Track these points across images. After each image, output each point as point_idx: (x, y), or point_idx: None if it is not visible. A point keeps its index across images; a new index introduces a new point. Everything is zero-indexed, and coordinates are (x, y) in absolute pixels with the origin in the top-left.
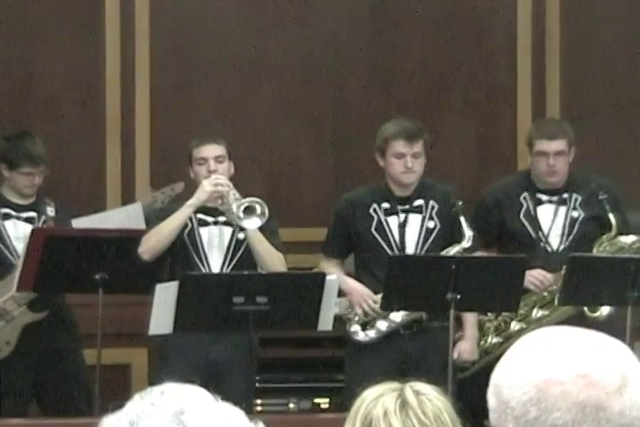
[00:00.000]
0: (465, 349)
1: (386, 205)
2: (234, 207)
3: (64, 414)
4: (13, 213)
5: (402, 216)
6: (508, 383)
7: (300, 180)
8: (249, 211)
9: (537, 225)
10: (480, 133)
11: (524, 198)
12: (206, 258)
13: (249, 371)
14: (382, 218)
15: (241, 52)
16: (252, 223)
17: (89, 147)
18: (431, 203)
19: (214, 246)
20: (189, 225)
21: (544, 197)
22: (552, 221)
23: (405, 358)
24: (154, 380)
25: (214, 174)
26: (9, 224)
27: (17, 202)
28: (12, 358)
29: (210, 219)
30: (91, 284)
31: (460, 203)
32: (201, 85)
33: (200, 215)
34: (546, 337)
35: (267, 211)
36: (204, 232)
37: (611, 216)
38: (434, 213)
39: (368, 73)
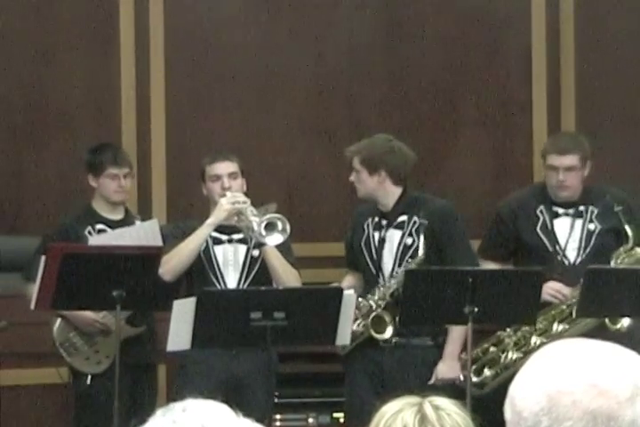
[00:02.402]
0: (441, 369)
1: (376, 219)
2: (254, 225)
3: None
4: (108, 228)
5: (382, 231)
6: (521, 395)
7: (315, 195)
8: (270, 227)
9: (554, 238)
10: (495, 146)
11: (541, 211)
12: (222, 276)
13: (269, 386)
14: (371, 233)
15: (256, 68)
16: (274, 239)
17: None
18: (414, 219)
19: (229, 264)
20: (204, 244)
21: (560, 210)
22: (569, 235)
23: (381, 371)
24: (175, 396)
25: (231, 192)
26: None
27: (109, 217)
28: (106, 372)
29: (224, 237)
30: (108, 301)
31: (427, 222)
32: (216, 101)
33: (214, 234)
34: (558, 348)
35: (288, 226)
36: (218, 250)
37: (627, 228)
38: (413, 230)
39: (382, 87)
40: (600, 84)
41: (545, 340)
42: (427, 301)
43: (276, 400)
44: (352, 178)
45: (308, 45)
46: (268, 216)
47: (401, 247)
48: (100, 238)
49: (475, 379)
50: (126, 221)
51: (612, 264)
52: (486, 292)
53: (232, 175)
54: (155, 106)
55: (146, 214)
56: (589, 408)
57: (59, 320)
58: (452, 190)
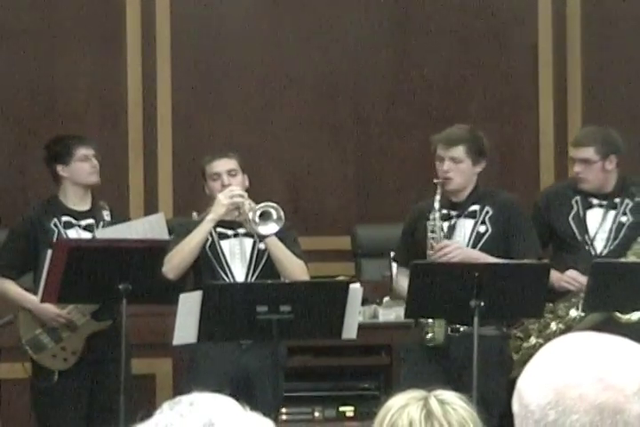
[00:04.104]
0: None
1: (444, 211)
2: (250, 215)
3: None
4: (74, 220)
5: (452, 221)
6: (528, 388)
7: (321, 189)
8: (265, 217)
9: (584, 228)
10: (502, 142)
11: (576, 201)
12: (230, 270)
13: (277, 380)
14: (438, 224)
15: (262, 65)
16: (270, 229)
17: (112, 159)
18: (486, 208)
19: (237, 258)
20: (210, 239)
21: (595, 201)
22: (599, 225)
23: (446, 360)
24: (183, 389)
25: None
26: (71, 233)
27: (75, 209)
28: (72, 368)
29: (230, 232)
30: (114, 294)
31: (496, 212)
32: (222, 97)
33: (220, 229)
34: (566, 342)
35: (282, 214)
36: (225, 245)
37: None
38: (487, 219)
39: (388, 82)
40: (606, 80)
41: (562, 326)
42: (433, 294)
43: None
44: (449, 168)
45: (313, 41)
46: (261, 205)
47: (474, 235)
48: (107, 232)
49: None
50: (93, 212)
51: (628, 254)
52: (493, 286)
53: (231, 172)
54: (161, 102)
55: (152, 210)
56: (596, 402)
57: (23, 316)
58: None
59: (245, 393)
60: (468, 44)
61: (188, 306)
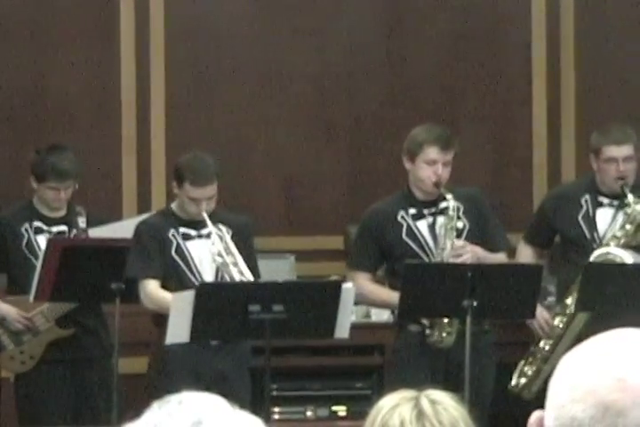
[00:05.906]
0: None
1: (413, 210)
2: None
3: (89, 422)
4: (45, 226)
5: (430, 219)
6: (554, 381)
7: (314, 188)
8: None
9: (594, 227)
10: (496, 141)
11: (585, 201)
12: (199, 272)
13: (247, 379)
14: (412, 223)
15: (257, 63)
16: None
17: (105, 157)
18: (455, 204)
19: (204, 259)
20: (174, 242)
21: (605, 200)
22: (609, 225)
23: (440, 355)
24: (155, 390)
25: (206, 211)
26: (41, 239)
27: (48, 215)
28: (46, 368)
29: (193, 232)
30: (107, 293)
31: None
32: (216, 95)
33: (183, 229)
34: (594, 342)
35: None
36: (191, 248)
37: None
38: (461, 214)
39: (384, 81)
40: (600, 79)
41: (564, 318)
42: (426, 294)
43: (274, 393)
44: (441, 171)
45: (308, 40)
46: None
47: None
48: (100, 231)
49: (523, 380)
50: (68, 219)
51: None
52: (486, 286)
53: (210, 198)
54: (154, 101)
55: (145, 209)
56: (606, 398)
57: None
58: (452, 184)
59: (218, 393)
60: (462, 42)
61: (181, 305)
